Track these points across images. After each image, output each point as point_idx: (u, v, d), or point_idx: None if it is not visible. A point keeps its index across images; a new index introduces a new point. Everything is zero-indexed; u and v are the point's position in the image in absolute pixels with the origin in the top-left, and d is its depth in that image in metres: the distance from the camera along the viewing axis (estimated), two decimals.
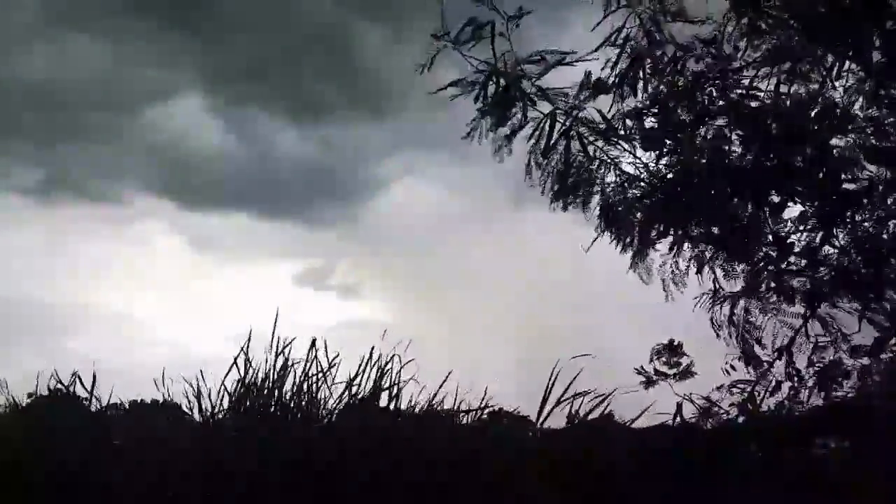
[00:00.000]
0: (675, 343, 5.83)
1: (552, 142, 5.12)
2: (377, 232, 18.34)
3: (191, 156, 19.44)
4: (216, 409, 4.43)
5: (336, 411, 4.48)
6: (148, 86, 18.20)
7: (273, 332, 4.61)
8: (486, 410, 4.85)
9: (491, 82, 5.11)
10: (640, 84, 5.09)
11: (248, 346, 4.62)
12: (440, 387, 4.60)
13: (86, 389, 4.82)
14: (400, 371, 4.61)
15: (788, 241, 4.95)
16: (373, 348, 4.62)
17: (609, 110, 5.20)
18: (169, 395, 4.57)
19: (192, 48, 18.77)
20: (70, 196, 19.96)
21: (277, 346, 4.55)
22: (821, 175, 4.83)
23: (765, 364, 5.26)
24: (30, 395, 5.42)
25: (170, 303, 16.58)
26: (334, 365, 4.58)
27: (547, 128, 5.10)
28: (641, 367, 5.79)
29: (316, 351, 4.60)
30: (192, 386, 4.48)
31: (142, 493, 3.95)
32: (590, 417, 4.77)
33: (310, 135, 19.80)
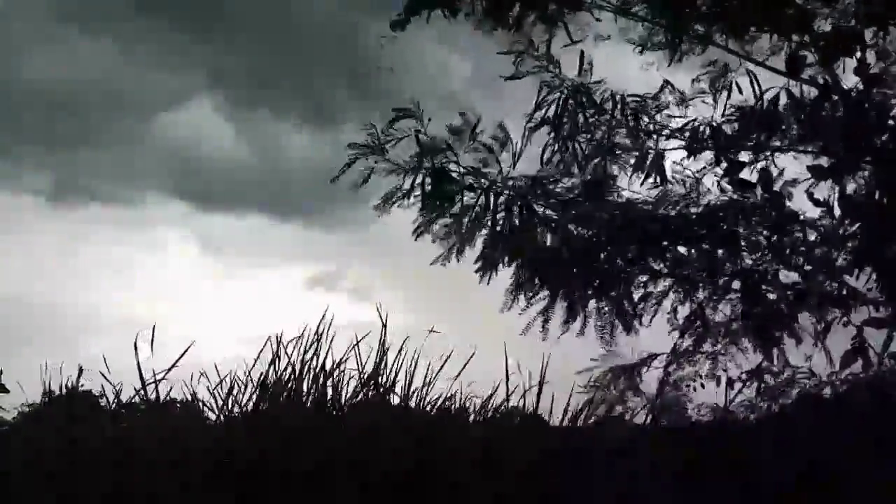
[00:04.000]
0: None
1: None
2: (389, 234, 18.36)
3: (203, 158, 19.60)
4: (237, 408, 4.51)
5: (351, 406, 4.55)
6: (160, 88, 18.36)
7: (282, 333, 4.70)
8: (500, 408, 4.89)
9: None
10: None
11: (265, 347, 4.70)
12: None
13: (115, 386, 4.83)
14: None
15: None
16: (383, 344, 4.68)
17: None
18: (190, 396, 4.65)
19: (204, 51, 18.92)
20: (82, 199, 20.16)
21: (294, 346, 4.63)
22: None
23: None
24: (45, 395, 5.49)
25: (182, 304, 16.70)
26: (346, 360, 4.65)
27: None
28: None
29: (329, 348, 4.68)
30: (216, 386, 4.56)
31: (163, 492, 3.99)
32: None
33: (322, 137, 19.92)
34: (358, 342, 4.64)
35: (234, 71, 19.09)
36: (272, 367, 4.58)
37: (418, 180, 5.24)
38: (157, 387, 4.62)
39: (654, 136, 5.55)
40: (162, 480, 3.97)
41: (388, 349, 4.64)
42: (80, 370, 4.93)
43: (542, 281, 5.20)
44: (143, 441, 4.23)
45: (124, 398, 4.77)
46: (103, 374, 4.71)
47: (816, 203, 5.08)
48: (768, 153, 5.33)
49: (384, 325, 4.73)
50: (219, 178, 19.92)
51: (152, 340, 4.60)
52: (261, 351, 4.70)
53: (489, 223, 5.29)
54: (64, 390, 5.24)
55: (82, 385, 5.33)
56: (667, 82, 5.55)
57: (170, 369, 4.59)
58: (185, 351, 4.58)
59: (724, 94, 5.50)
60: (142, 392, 4.62)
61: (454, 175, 5.29)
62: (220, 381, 4.60)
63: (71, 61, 17.61)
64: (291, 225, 22.06)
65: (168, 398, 4.85)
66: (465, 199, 5.31)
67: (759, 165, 5.35)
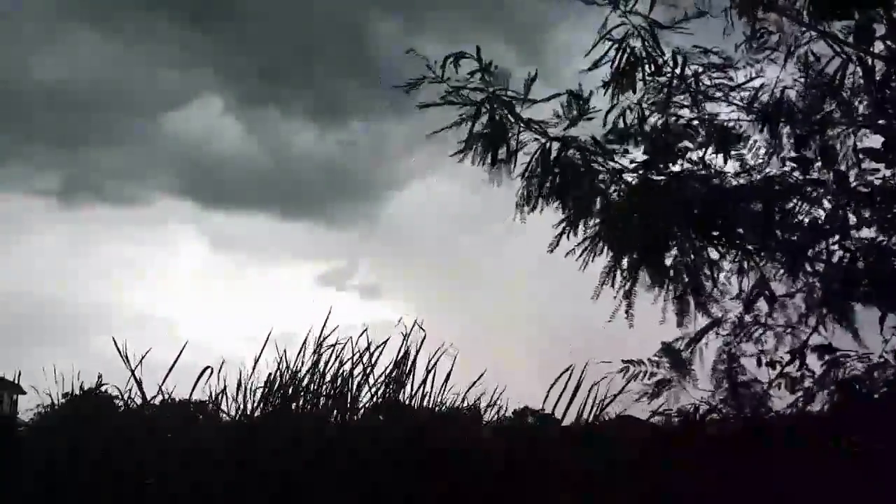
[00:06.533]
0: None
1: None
2: (398, 231, 18.48)
3: (212, 157, 19.72)
4: (252, 407, 4.57)
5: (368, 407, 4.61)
6: (168, 87, 18.47)
7: (307, 331, 4.76)
8: (511, 408, 4.95)
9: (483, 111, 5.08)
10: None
11: (276, 344, 4.76)
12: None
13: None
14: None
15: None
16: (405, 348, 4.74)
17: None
18: (211, 395, 4.72)
19: (212, 50, 19.01)
20: (92, 198, 20.30)
21: (310, 344, 4.69)
22: None
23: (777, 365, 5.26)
24: (65, 396, 5.56)
25: (193, 302, 16.83)
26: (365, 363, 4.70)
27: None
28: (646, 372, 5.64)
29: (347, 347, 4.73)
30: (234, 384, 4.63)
31: (180, 491, 4.05)
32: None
33: (329, 134, 19.99)
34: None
35: (242, 69, 19.18)
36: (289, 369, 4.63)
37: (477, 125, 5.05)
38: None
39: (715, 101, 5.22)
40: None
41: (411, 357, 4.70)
42: (100, 379, 5.03)
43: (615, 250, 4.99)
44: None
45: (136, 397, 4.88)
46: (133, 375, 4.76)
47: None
48: (836, 128, 5.00)
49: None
50: (228, 175, 20.08)
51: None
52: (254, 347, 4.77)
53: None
54: (79, 391, 5.33)
55: (100, 387, 5.42)
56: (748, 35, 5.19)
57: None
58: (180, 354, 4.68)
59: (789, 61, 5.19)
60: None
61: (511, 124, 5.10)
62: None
63: (80, 61, 17.71)
64: (300, 222, 22.19)
65: (184, 399, 4.93)
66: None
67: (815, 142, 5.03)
